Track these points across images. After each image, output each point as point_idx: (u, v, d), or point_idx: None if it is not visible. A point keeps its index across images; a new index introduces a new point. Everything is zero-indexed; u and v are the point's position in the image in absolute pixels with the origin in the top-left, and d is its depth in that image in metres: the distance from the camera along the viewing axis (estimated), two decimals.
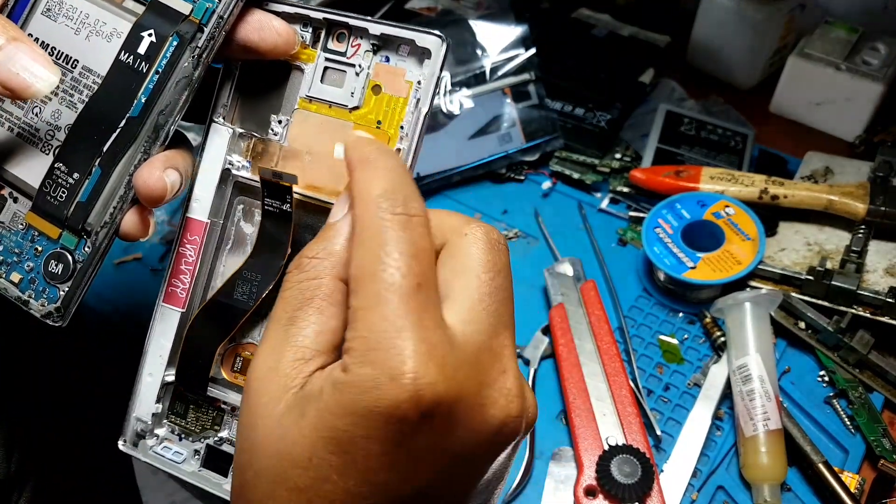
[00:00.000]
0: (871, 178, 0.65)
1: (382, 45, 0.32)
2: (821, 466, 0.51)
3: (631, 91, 0.81)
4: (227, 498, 0.32)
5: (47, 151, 0.34)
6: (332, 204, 0.31)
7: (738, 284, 0.61)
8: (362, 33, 0.32)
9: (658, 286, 0.65)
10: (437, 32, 0.31)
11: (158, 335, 0.34)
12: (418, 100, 0.31)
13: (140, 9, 0.33)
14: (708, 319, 0.61)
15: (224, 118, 0.34)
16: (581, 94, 0.80)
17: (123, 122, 0.33)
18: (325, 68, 0.33)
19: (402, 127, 0.31)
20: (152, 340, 0.35)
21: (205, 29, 0.32)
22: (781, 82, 0.81)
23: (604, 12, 0.92)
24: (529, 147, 0.74)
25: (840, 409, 0.56)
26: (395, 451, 0.23)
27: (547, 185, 0.74)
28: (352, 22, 0.32)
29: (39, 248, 0.34)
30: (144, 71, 0.32)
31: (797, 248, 0.63)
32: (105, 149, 0.33)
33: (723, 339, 0.59)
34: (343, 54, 0.33)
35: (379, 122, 0.32)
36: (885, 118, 0.76)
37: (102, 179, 0.33)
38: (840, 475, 0.51)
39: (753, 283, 0.62)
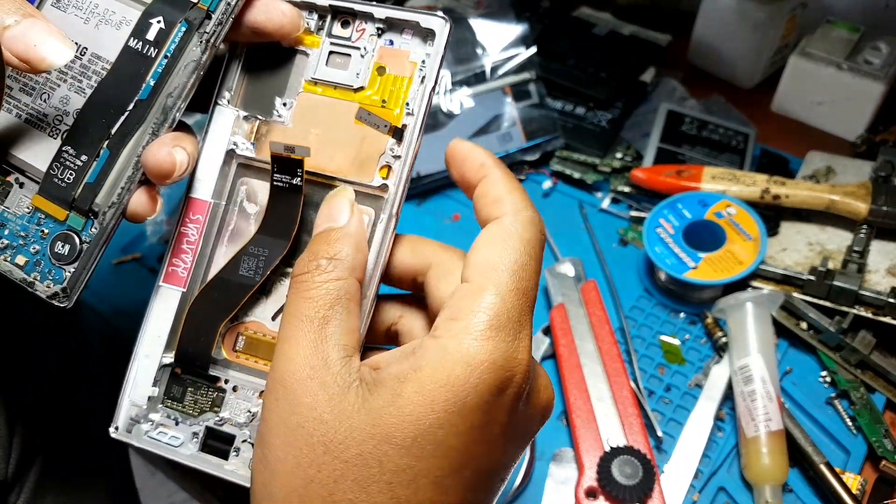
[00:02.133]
0: (872, 178, 0.65)
1: (387, 28, 0.33)
2: (822, 467, 0.51)
3: (632, 90, 0.81)
4: (230, 479, 0.32)
5: (55, 136, 0.34)
6: (339, 180, 0.32)
7: (740, 284, 0.61)
8: (367, 18, 0.33)
9: (659, 286, 0.65)
10: (440, 14, 0.31)
11: (157, 316, 0.34)
12: (423, 77, 0.32)
13: None
14: (709, 320, 0.61)
15: (229, 101, 0.34)
16: (582, 93, 0.80)
17: (132, 104, 0.33)
18: (330, 52, 0.34)
19: (407, 104, 0.32)
20: (150, 321, 0.34)
21: (213, 15, 0.33)
22: (783, 82, 0.80)
23: (605, 11, 0.92)
24: (530, 146, 0.74)
25: (842, 410, 0.56)
26: (497, 421, 0.27)
27: (547, 184, 0.74)
28: (357, 8, 0.33)
29: (46, 231, 0.34)
30: (153, 56, 0.33)
31: (799, 248, 0.63)
32: (113, 131, 0.33)
33: (724, 339, 0.59)
34: (348, 38, 0.33)
35: (384, 101, 0.32)
36: (886, 118, 0.76)
37: (111, 161, 0.33)
38: (841, 476, 0.50)
39: (755, 284, 0.61)
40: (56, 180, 0.34)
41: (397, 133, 0.32)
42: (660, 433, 0.54)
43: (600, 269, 0.67)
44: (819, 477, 0.51)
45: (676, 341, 0.61)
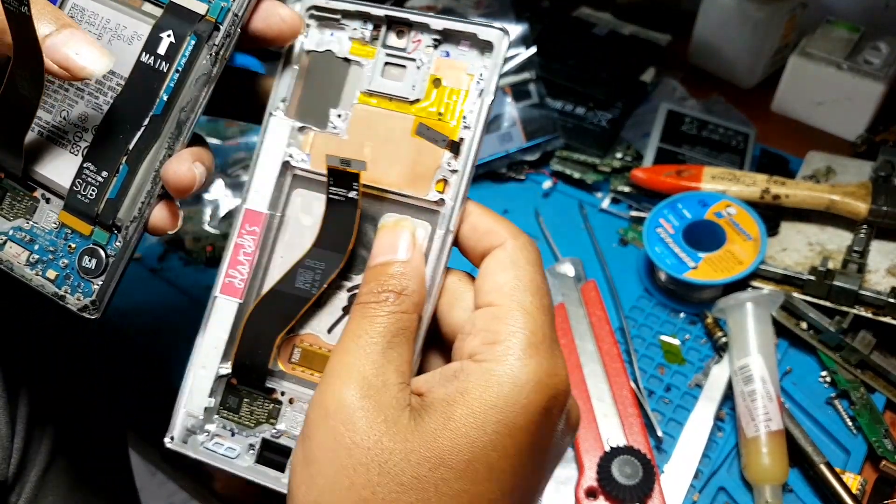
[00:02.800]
0: (872, 178, 0.65)
1: (443, 39, 0.32)
2: (822, 467, 0.51)
3: (632, 90, 0.81)
4: (285, 492, 0.31)
5: (76, 153, 0.35)
6: (395, 194, 0.32)
7: (740, 284, 0.61)
8: (423, 29, 0.33)
9: (659, 286, 0.65)
10: (498, 25, 0.31)
11: (214, 326, 0.34)
12: (481, 91, 0.31)
13: (158, 11, 0.34)
14: (709, 320, 0.61)
15: (283, 112, 0.34)
16: (582, 93, 0.80)
17: (147, 120, 0.34)
18: (385, 63, 0.33)
19: (464, 117, 0.32)
20: (207, 332, 0.34)
21: (221, 27, 0.34)
22: (783, 81, 0.80)
23: (605, 11, 0.92)
24: (530, 146, 0.74)
25: (842, 410, 0.56)
26: (542, 441, 0.27)
27: (547, 184, 0.74)
28: (413, 18, 0.33)
29: (73, 245, 0.36)
30: (165, 70, 0.34)
31: (799, 248, 0.63)
32: (131, 147, 0.34)
33: (724, 339, 0.59)
34: (403, 49, 0.33)
35: (440, 114, 0.32)
36: (886, 118, 0.76)
37: (130, 176, 0.34)
38: (842, 476, 0.50)
39: (755, 284, 0.61)
40: (79, 196, 0.35)
41: (454, 147, 0.31)
42: (660, 433, 0.54)
43: (600, 269, 0.67)
44: (819, 477, 0.51)
45: (676, 341, 0.61)
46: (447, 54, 0.32)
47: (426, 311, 0.30)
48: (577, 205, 0.73)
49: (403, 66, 0.33)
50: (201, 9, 0.34)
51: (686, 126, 0.76)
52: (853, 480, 0.51)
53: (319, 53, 0.34)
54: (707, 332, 0.61)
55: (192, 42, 0.34)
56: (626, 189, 0.72)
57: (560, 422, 0.28)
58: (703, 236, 0.62)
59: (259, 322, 0.33)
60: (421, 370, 0.31)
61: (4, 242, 0.36)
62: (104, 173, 0.34)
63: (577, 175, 0.74)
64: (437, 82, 0.32)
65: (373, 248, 0.31)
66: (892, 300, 0.56)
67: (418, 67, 0.33)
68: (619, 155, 0.75)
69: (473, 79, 0.32)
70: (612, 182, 0.73)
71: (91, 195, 0.35)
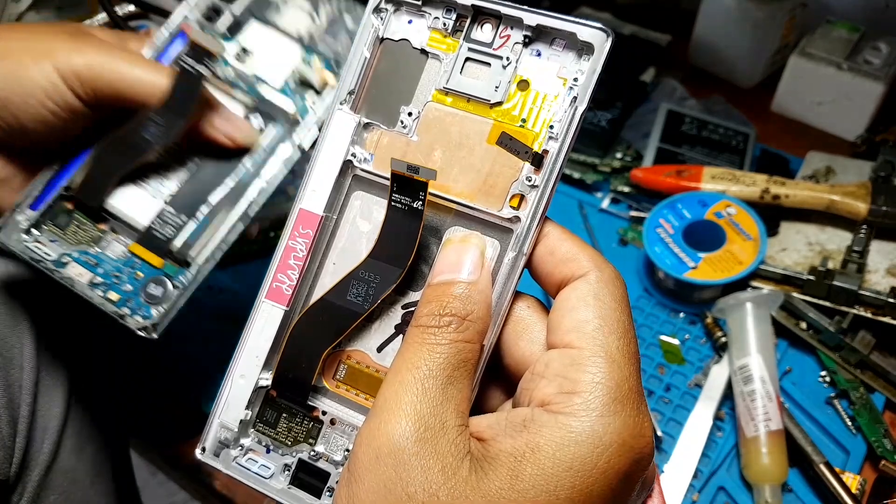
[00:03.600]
0: (872, 178, 0.65)
1: (535, 37, 0.29)
2: (822, 467, 0.51)
3: (632, 90, 0.81)
4: None
5: (157, 196, 0.41)
6: (464, 206, 0.29)
7: (740, 284, 0.61)
8: (515, 23, 0.29)
9: (659, 286, 0.65)
10: (601, 26, 0.27)
11: (257, 333, 0.31)
12: (574, 98, 0.28)
13: (250, 102, 0.43)
14: (709, 320, 0.61)
15: (350, 106, 0.31)
16: None
17: (233, 183, 0.42)
18: (467, 59, 0.29)
19: (551, 127, 0.28)
20: (250, 338, 0.31)
21: (300, 121, 0.43)
22: (783, 81, 0.80)
23: (605, 11, 0.92)
24: None
25: (841, 410, 0.56)
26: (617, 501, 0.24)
27: None
28: (504, 10, 0.29)
29: (140, 274, 0.41)
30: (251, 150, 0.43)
31: (798, 248, 0.63)
32: (214, 202, 0.41)
33: (724, 339, 0.59)
34: (489, 45, 0.29)
35: (523, 121, 0.29)
36: (886, 118, 0.76)
37: (210, 225, 0.41)
38: (841, 476, 0.51)
39: (755, 284, 0.62)
40: (156, 233, 0.41)
41: (536, 159, 0.28)
42: (659, 433, 0.54)
43: None
44: (818, 477, 0.51)
45: (676, 341, 0.61)
46: (538, 54, 0.29)
47: (489, 341, 0.27)
48: (577, 205, 0.73)
49: (487, 64, 0.29)
50: (289, 107, 0.43)
51: (686, 126, 0.76)
52: (852, 480, 0.51)
53: (394, 42, 0.30)
54: (707, 332, 0.61)
55: (277, 131, 0.43)
56: (626, 189, 0.72)
57: (638, 485, 0.25)
58: (703, 236, 0.63)
59: (305, 333, 0.30)
60: (477, 403, 0.28)
61: (67, 262, 0.40)
62: (184, 217, 0.41)
63: (576, 175, 0.74)
64: (523, 85, 0.29)
65: (435, 264, 0.28)
66: (891, 300, 0.56)
67: (504, 66, 0.29)
68: (618, 155, 0.75)
69: (566, 84, 0.28)
70: (611, 182, 0.73)
71: (169, 234, 0.41)
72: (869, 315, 0.57)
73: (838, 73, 0.76)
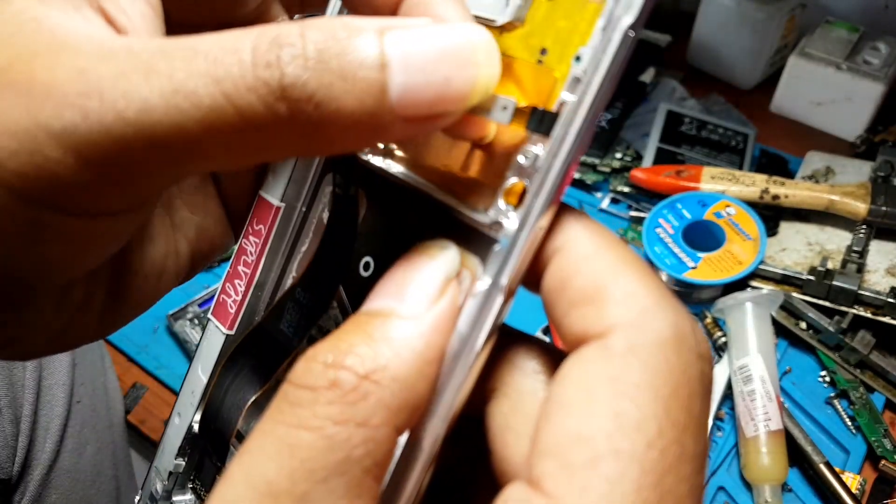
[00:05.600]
0: (872, 178, 0.65)
1: None
2: (822, 467, 0.51)
3: (631, 90, 0.81)
4: None
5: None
6: (438, 195, 0.18)
7: (739, 284, 0.61)
8: None
9: None
10: None
11: (201, 361, 0.24)
12: (609, 18, 0.16)
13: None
14: (709, 320, 0.61)
15: None
16: None
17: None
18: None
19: (577, 58, 0.16)
20: (195, 368, 0.24)
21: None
22: (782, 82, 0.81)
23: None
24: None
25: (841, 410, 0.56)
26: None
27: None
28: None
29: None
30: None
31: (798, 248, 0.63)
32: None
33: (724, 339, 0.59)
34: None
35: (544, 51, 0.17)
36: (886, 118, 0.76)
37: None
38: (841, 475, 0.51)
39: (754, 283, 0.62)
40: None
41: (542, 120, 0.17)
42: None
43: None
44: (818, 476, 0.51)
45: None
46: None
47: (434, 427, 0.16)
48: (577, 205, 0.73)
49: None
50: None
51: (685, 126, 0.76)
52: (852, 480, 0.51)
53: None
54: (706, 332, 0.61)
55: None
56: (626, 189, 0.72)
57: None
58: (703, 236, 0.63)
59: (233, 370, 0.23)
60: None
61: None
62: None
63: (576, 175, 0.74)
64: None
65: (376, 285, 0.17)
66: (891, 300, 0.56)
67: None
68: (618, 155, 0.75)
69: None
70: (611, 182, 0.73)
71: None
72: (869, 315, 0.58)
73: (838, 74, 0.76)
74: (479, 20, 0.18)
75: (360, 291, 0.20)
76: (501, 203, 0.17)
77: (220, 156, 0.15)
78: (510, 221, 0.17)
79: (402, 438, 0.15)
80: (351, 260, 0.20)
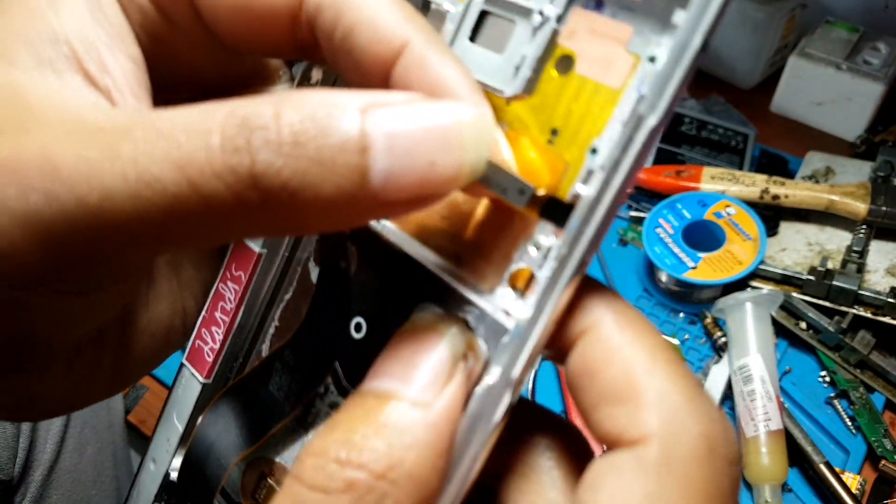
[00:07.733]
0: (872, 178, 0.65)
1: None
2: (822, 467, 0.51)
3: None
4: None
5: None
6: (438, 271, 0.17)
7: (739, 284, 0.61)
8: None
9: (659, 286, 0.65)
10: None
11: (174, 408, 0.23)
12: (641, 97, 0.15)
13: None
14: (709, 320, 0.61)
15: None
16: None
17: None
18: (483, 14, 0.18)
19: (592, 150, 0.15)
20: (169, 412, 0.23)
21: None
22: (782, 82, 0.81)
23: None
24: None
25: (841, 410, 0.56)
26: None
27: None
28: None
29: None
30: None
31: (798, 248, 0.63)
32: None
33: (724, 339, 0.59)
34: None
35: (555, 131, 0.16)
36: (885, 118, 0.76)
37: None
38: (841, 476, 0.51)
39: (754, 284, 0.62)
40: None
41: (556, 210, 0.16)
42: None
43: (600, 270, 0.67)
44: (818, 476, 0.51)
45: (676, 341, 0.61)
46: (599, 5, 0.16)
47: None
48: None
49: (511, 22, 0.17)
50: None
51: (686, 126, 0.76)
52: (852, 480, 0.51)
53: None
54: (706, 332, 0.61)
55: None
56: None
57: None
58: (703, 236, 0.63)
59: (219, 424, 0.22)
60: None
61: None
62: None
63: None
64: (565, 63, 0.16)
65: (374, 364, 0.16)
66: (891, 300, 0.57)
67: (535, 27, 0.17)
68: None
69: (636, 67, 0.15)
70: None
71: None
72: (868, 315, 0.58)
73: (838, 74, 0.76)
74: (488, 88, 0.17)
75: (351, 355, 0.19)
76: (508, 289, 0.16)
77: (187, 241, 0.15)
78: (520, 310, 0.16)
79: None
80: (346, 331, 0.19)
